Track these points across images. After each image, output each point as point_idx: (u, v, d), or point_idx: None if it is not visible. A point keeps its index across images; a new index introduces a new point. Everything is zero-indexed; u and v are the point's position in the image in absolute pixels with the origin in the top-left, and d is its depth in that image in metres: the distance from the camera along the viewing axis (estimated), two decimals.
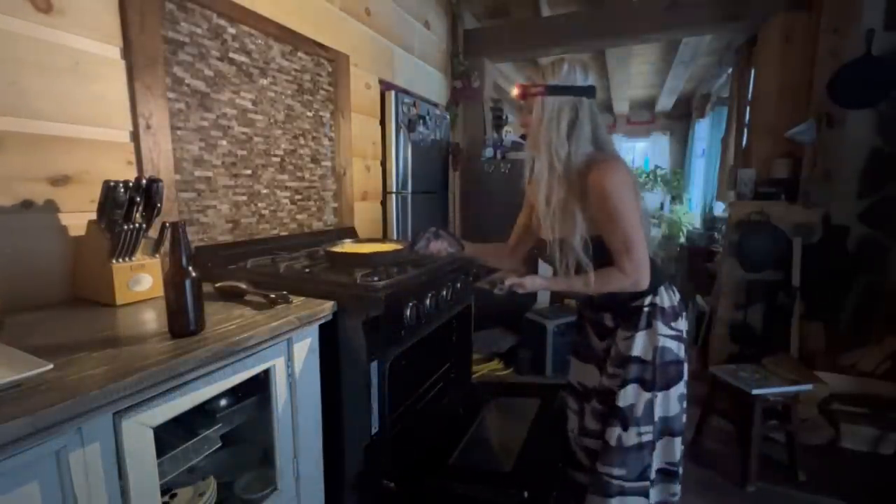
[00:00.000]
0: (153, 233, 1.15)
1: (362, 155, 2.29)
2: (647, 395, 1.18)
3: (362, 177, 2.31)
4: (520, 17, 3.30)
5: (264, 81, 1.69)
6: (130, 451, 0.71)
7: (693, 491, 1.89)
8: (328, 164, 2.06)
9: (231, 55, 1.55)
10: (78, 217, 1.14)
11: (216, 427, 0.99)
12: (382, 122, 2.44)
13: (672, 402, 1.21)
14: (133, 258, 1.10)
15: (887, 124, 2.34)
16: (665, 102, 6.18)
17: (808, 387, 1.97)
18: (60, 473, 0.63)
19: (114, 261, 1.07)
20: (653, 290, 1.18)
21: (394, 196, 2.51)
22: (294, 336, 1.04)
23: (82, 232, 1.12)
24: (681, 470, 1.26)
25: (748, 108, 3.12)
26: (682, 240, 4.86)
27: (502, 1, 3.35)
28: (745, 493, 1.87)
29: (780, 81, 2.62)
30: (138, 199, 1.08)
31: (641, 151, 7.44)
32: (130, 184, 1.06)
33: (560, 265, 1.19)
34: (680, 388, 1.22)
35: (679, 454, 1.24)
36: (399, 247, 1.55)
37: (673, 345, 1.19)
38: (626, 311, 1.21)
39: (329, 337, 1.15)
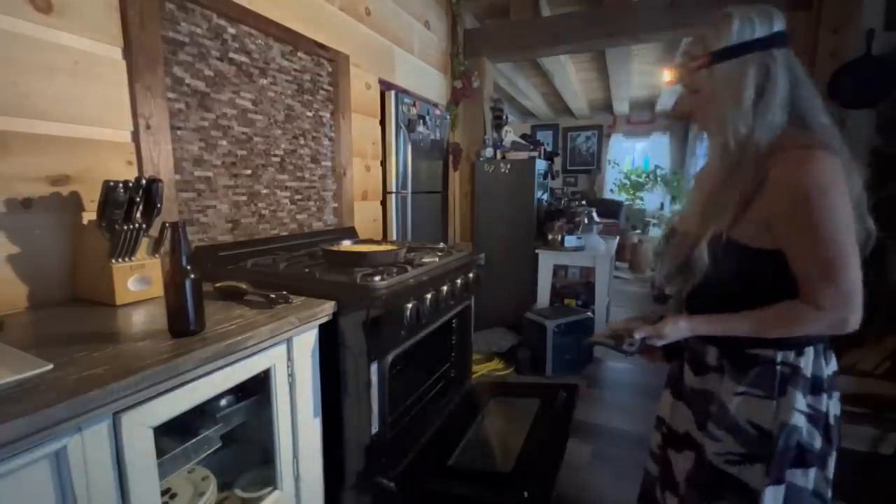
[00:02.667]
0: (153, 233, 1.15)
1: (362, 155, 2.29)
2: (766, 478, 0.86)
3: (362, 177, 2.31)
4: (520, 17, 3.29)
5: (264, 81, 1.69)
6: (130, 450, 0.71)
7: None
8: (328, 164, 2.07)
9: (231, 55, 1.55)
10: (78, 217, 1.14)
11: (216, 427, 0.99)
12: (382, 122, 2.44)
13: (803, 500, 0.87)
14: (133, 258, 1.10)
15: (887, 124, 2.34)
16: (665, 102, 6.18)
17: None
18: (60, 473, 0.63)
19: (114, 261, 1.07)
20: (797, 345, 0.85)
21: (394, 196, 2.51)
22: (294, 336, 1.04)
23: (82, 232, 1.12)
24: None
25: None
26: None
27: (502, 1, 3.35)
28: None
29: None
30: (138, 199, 1.08)
31: (641, 151, 7.44)
32: (130, 184, 1.06)
33: (666, 267, 0.93)
34: (808, 486, 0.87)
35: None
36: (396, 247, 1.54)
37: (804, 424, 0.86)
38: (743, 358, 0.89)
39: (329, 337, 1.15)
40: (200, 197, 1.49)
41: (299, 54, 1.85)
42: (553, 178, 3.91)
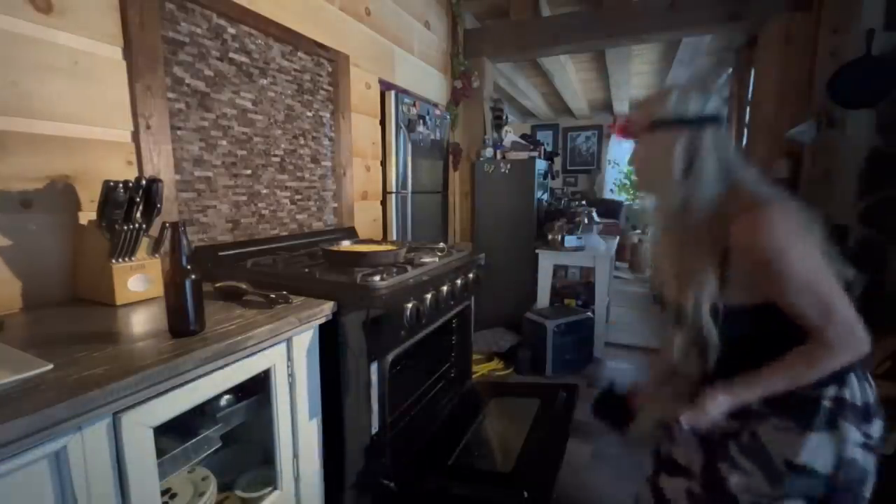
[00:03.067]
0: (153, 233, 1.15)
1: (362, 155, 2.29)
2: None
3: (362, 177, 2.31)
4: (520, 17, 3.29)
5: (264, 81, 1.69)
6: (130, 450, 0.71)
7: None
8: (328, 164, 2.06)
9: (231, 55, 1.55)
10: (78, 217, 1.14)
11: (216, 427, 0.99)
12: (382, 122, 2.44)
13: None
14: (133, 258, 1.10)
15: (887, 124, 2.34)
16: None
17: None
18: (60, 473, 0.63)
19: (114, 261, 1.07)
20: (838, 377, 0.85)
21: (394, 196, 2.51)
22: (294, 336, 1.04)
23: (82, 232, 1.12)
24: None
25: (748, 108, 3.12)
26: None
27: (502, 1, 3.35)
28: None
29: (780, 81, 2.62)
30: (138, 199, 1.08)
31: None
32: (130, 184, 1.06)
33: (676, 341, 0.93)
34: None
35: None
36: (396, 248, 1.54)
37: (860, 455, 0.84)
38: (790, 398, 0.87)
39: (329, 337, 1.15)
40: (200, 197, 1.49)
41: (299, 54, 1.85)
42: (553, 178, 3.91)
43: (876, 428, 0.86)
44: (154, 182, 1.10)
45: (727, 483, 0.90)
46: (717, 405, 0.88)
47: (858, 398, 0.85)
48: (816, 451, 0.84)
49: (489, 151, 3.33)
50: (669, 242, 0.96)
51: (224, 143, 1.55)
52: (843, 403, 0.85)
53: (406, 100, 2.50)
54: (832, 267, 0.85)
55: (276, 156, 1.77)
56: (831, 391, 0.85)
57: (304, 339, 1.09)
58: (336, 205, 2.13)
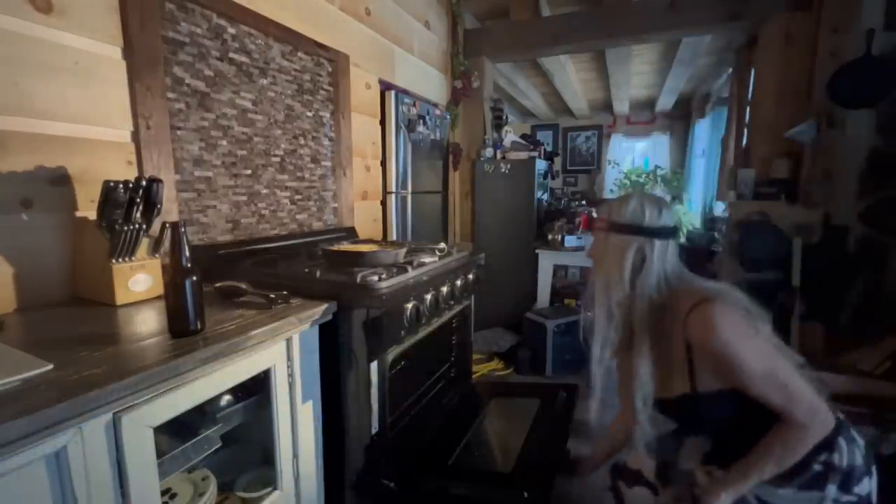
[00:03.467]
0: (153, 233, 1.15)
1: (362, 155, 2.29)
2: None
3: (362, 177, 2.31)
4: (520, 18, 3.29)
5: (264, 81, 1.69)
6: (130, 451, 0.71)
7: None
8: (328, 164, 2.06)
9: (231, 55, 1.55)
10: (78, 217, 1.14)
11: (216, 427, 0.99)
12: (382, 122, 2.44)
13: None
14: (133, 258, 1.10)
15: (887, 124, 2.34)
16: (665, 102, 6.18)
17: None
18: (60, 473, 0.63)
19: (114, 261, 1.07)
20: (827, 443, 0.91)
21: (393, 196, 2.51)
22: (294, 336, 1.04)
23: (82, 232, 1.12)
24: None
25: (748, 108, 3.12)
26: (683, 240, 4.86)
27: (502, 1, 3.35)
28: None
29: (780, 81, 2.62)
30: (138, 199, 1.08)
31: (641, 151, 7.44)
32: (130, 184, 1.06)
33: (644, 438, 1.02)
34: None
35: None
36: (395, 248, 1.54)
37: None
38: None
39: (329, 337, 1.15)
40: (200, 197, 1.49)
41: (299, 54, 1.85)
42: (553, 178, 3.91)
43: (865, 486, 0.92)
44: (154, 182, 1.10)
45: None
46: (716, 497, 0.94)
47: (846, 461, 0.91)
48: None
49: (489, 151, 3.33)
50: (636, 355, 1.01)
51: (224, 143, 1.55)
52: (833, 467, 0.91)
53: (406, 100, 2.50)
54: (783, 354, 0.92)
55: (276, 156, 1.77)
56: (822, 457, 0.91)
57: (304, 339, 1.08)
58: (336, 205, 2.13)
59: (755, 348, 0.89)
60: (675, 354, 0.97)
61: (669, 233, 1.00)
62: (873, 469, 0.95)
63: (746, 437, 0.95)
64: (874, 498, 0.93)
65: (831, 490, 0.90)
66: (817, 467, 0.91)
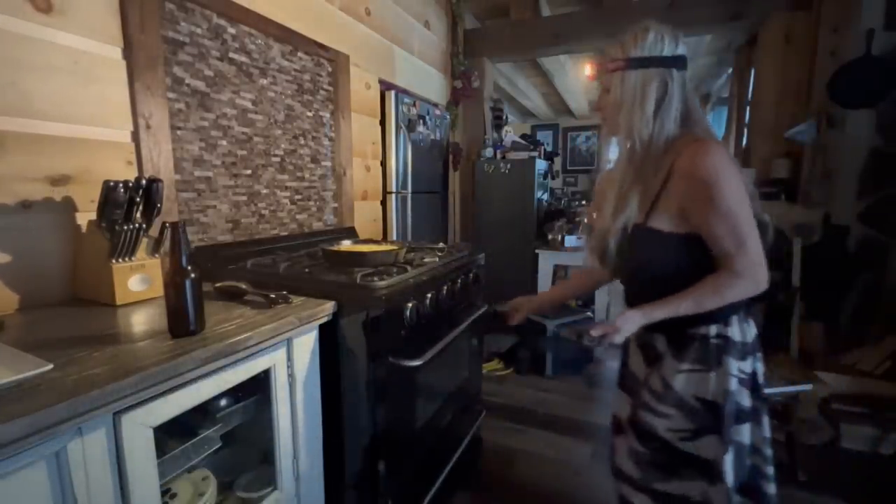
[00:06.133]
0: (153, 233, 1.15)
1: (362, 155, 2.29)
2: (722, 446, 0.96)
3: (362, 177, 2.31)
4: (520, 17, 3.30)
5: (264, 81, 1.69)
6: (130, 451, 0.71)
7: None
8: (328, 164, 2.06)
9: (231, 55, 1.55)
10: (78, 217, 1.14)
11: (216, 427, 0.99)
12: (382, 122, 2.44)
13: (743, 458, 0.98)
14: (133, 258, 1.10)
15: (887, 124, 2.34)
16: None
17: (808, 387, 1.97)
18: (60, 473, 0.63)
19: (114, 261, 1.07)
20: (724, 317, 0.97)
21: (394, 196, 2.51)
22: (294, 336, 1.04)
23: (82, 232, 1.12)
24: None
25: (748, 108, 3.12)
26: None
27: (502, 1, 3.35)
28: None
29: (780, 81, 2.62)
30: (138, 199, 1.08)
31: None
32: (130, 184, 1.06)
33: (593, 257, 1.07)
34: (745, 441, 0.98)
35: None
36: (396, 248, 1.54)
37: (735, 387, 0.97)
38: (685, 337, 1.00)
39: (329, 337, 1.15)
40: (200, 197, 1.49)
41: (299, 54, 1.85)
42: (553, 178, 3.91)
43: (749, 365, 0.99)
44: (154, 182, 1.10)
45: (657, 430, 1.01)
46: (629, 321, 0.96)
47: (738, 337, 0.98)
48: (712, 386, 0.96)
49: (489, 151, 3.33)
50: (622, 177, 1.02)
51: (224, 143, 1.55)
52: (728, 341, 0.97)
53: (406, 100, 2.50)
54: (753, 207, 0.92)
55: (276, 156, 1.77)
56: (714, 329, 0.97)
57: (305, 339, 1.09)
58: (336, 205, 2.13)
59: (735, 187, 0.90)
60: (649, 183, 0.97)
61: (685, 62, 0.97)
62: (759, 354, 1.02)
63: (662, 289, 0.98)
64: (759, 378, 1.01)
65: (730, 364, 0.96)
66: (714, 342, 0.97)
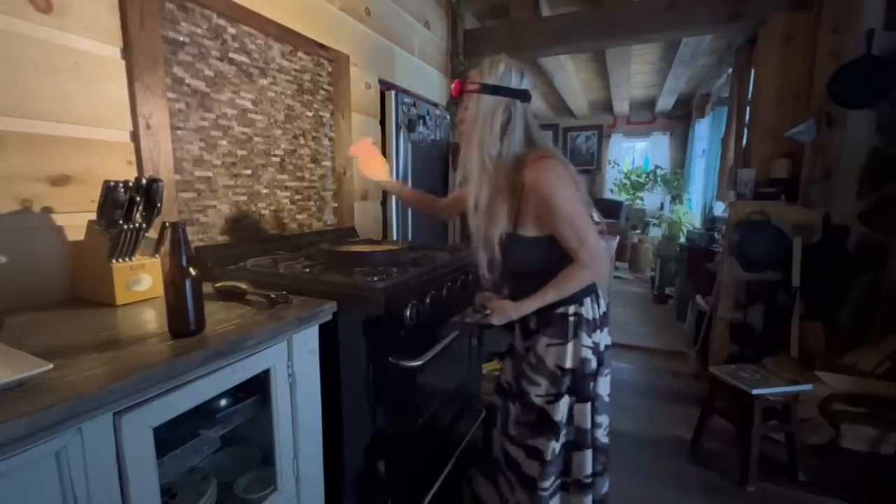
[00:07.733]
0: (153, 233, 1.15)
1: None
2: (574, 405, 1.22)
3: (362, 177, 2.30)
4: (520, 17, 3.30)
5: (264, 81, 1.69)
6: (130, 450, 0.71)
7: (693, 491, 1.89)
8: (328, 164, 2.06)
9: (231, 55, 1.55)
10: (78, 217, 1.14)
11: (216, 427, 0.99)
12: (382, 122, 2.43)
13: (586, 415, 1.22)
14: (133, 258, 1.10)
15: (887, 124, 2.34)
16: (665, 102, 6.19)
17: (808, 387, 1.97)
18: (60, 473, 0.63)
19: (114, 261, 1.06)
20: (578, 299, 1.21)
21: (394, 196, 2.50)
22: (294, 336, 1.04)
23: (82, 232, 1.12)
24: (596, 480, 1.27)
25: (748, 108, 3.12)
26: (682, 240, 4.86)
27: (502, 1, 3.35)
28: (745, 493, 1.87)
29: (780, 81, 2.62)
30: (138, 199, 1.08)
31: (641, 151, 7.44)
32: (130, 184, 1.06)
33: (483, 264, 1.26)
34: (587, 404, 1.22)
35: (589, 468, 1.24)
36: (396, 248, 1.54)
37: (589, 355, 1.20)
38: (551, 317, 1.22)
39: (329, 337, 1.15)
40: (200, 197, 1.49)
41: (299, 54, 1.85)
42: None
43: (598, 336, 1.23)
44: (154, 182, 1.10)
45: (530, 396, 1.24)
46: (502, 314, 1.20)
47: (590, 314, 1.22)
48: (571, 355, 1.20)
49: None
50: (477, 187, 1.20)
51: (224, 143, 1.55)
52: (581, 318, 1.20)
53: (406, 100, 2.49)
54: (587, 209, 1.15)
55: (276, 156, 1.77)
56: (573, 308, 1.20)
57: (305, 339, 1.08)
58: (336, 205, 2.13)
59: (569, 197, 1.11)
60: (511, 198, 1.18)
61: (529, 96, 1.18)
62: (607, 329, 1.27)
63: (533, 283, 1.19)
64: (602, 347, 1.24)
65: (584, 337, 1.19)
66: (572, 319, 1.20)
